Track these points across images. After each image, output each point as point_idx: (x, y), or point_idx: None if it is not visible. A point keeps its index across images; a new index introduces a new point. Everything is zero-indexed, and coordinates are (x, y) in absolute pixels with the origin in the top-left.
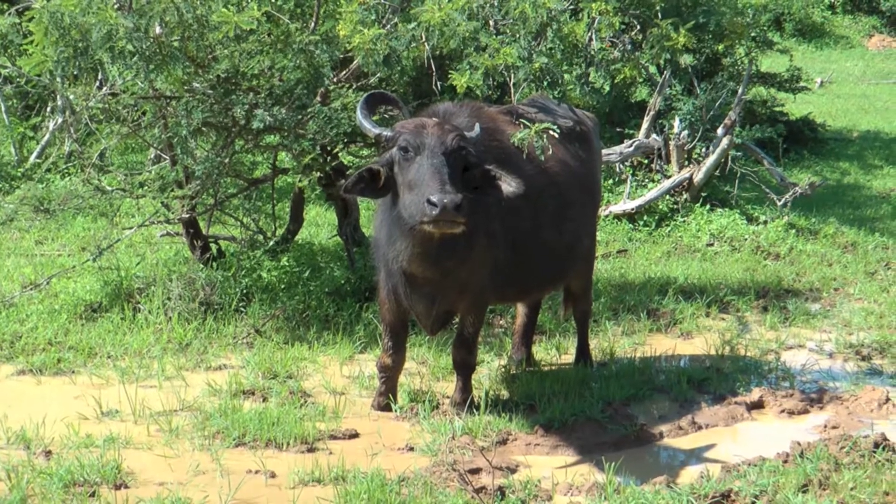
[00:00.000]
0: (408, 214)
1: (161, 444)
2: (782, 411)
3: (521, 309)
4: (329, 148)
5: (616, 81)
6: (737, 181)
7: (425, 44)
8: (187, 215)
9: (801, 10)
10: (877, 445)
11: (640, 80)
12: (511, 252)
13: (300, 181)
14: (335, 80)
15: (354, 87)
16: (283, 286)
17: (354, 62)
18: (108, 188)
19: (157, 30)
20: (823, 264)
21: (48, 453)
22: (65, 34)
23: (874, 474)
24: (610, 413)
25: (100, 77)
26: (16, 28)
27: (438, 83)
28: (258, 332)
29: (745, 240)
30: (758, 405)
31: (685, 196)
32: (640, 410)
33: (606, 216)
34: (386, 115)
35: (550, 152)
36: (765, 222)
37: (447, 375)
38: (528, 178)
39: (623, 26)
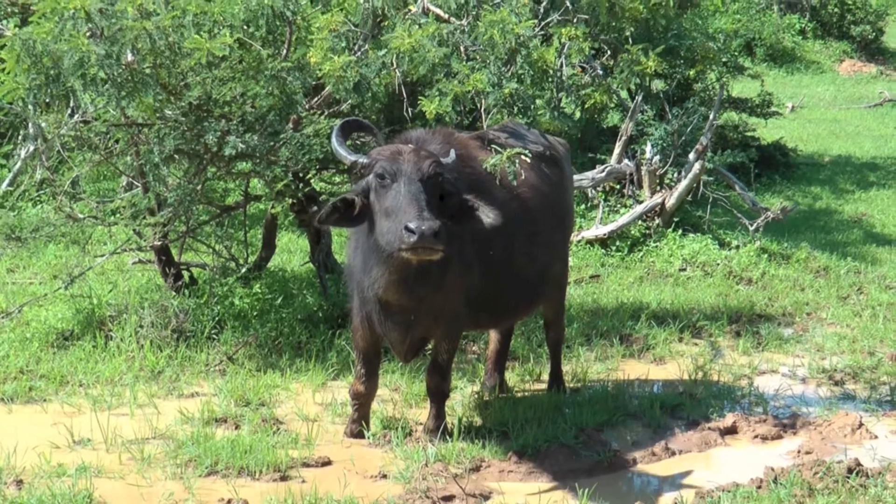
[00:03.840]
0: (385, 242)
1: (133, 473)
2: (756, 437)
3: (493, 335)
4: (301, 174)
5: (587, 107)
6: (709, 206)
7: (396, 70)
8: (159, 242)
9: (772, 36)
10: (850, 471)
11: (612, 105)
12: (484, 278)
13: (273, 207)
14: (307, 106)
15: (326, 113)
16: (255, 313)
17: (326, 89)
18: (80, 216)
19: (129, 57)
20: (796, 289)
21: (19, 482)
22: (37, 61)
23: (848, 500)
24: (583, 439)
25: (71, 104)
26: None
27: (409, 110)
28: (230, 359)
29: (718, 265)
30: (731, 431)
31: (657, 221)
32: (613, 436)
33: (579, 241)
34: (358, 142)
35: (522, 178)
36: (737, 247)
37: (420, 402)
38: (500, 205)
39: (593, 52)
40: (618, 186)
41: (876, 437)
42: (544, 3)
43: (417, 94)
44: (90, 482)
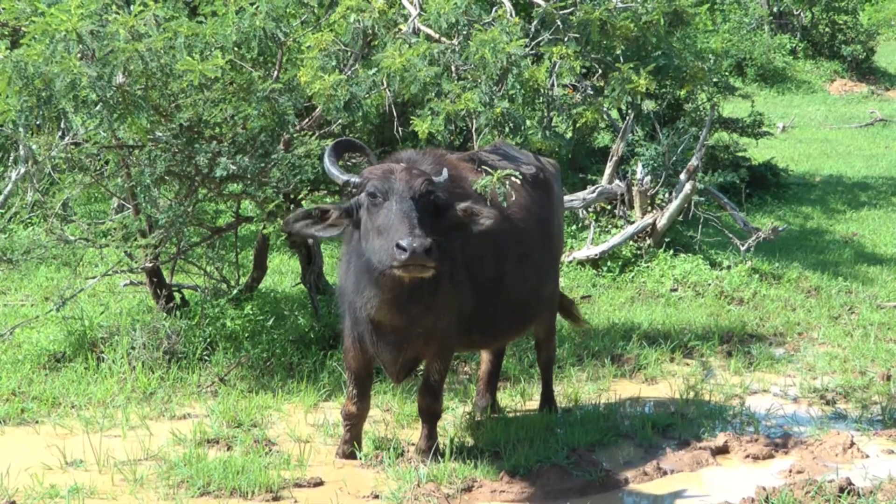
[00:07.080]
0: (377, 260)
1: (126, 494)
2: (747, 456)
3: (485, 356)
4: (292, 195)
5: (578, 126)
6: (700, 226)
7: (386, 90)
8: (150, 264)
9: (762, 56)
10: (842, 490)
11: (603, 125)
12: (475, 298)
13: (264, 229)
14: (298, 127)
15: (317, 134)
16: (246, 334)
17: (317, 109)
18: (72, 238)
19: (120, 78)
20: (787, 309)
21: None
22: (28, 83)
23: None
24: (575, 459)
25: (62, 126)
26: None
27: (400, 129)
28: (222, 380)
29: (709, 285)
30: (723, 450)
31: (648, 242)
32: (605, 456)
33: (570, 262)
34: (349, 163)
35: (513, 199)
36: (728, 267)
37: (412, 423)
38: (490, 225)
39: (584, 70)
40: (609, 207)
41: (867, 456)
42: (535, 23)
43: (408, 114)
44: (83, 503)
